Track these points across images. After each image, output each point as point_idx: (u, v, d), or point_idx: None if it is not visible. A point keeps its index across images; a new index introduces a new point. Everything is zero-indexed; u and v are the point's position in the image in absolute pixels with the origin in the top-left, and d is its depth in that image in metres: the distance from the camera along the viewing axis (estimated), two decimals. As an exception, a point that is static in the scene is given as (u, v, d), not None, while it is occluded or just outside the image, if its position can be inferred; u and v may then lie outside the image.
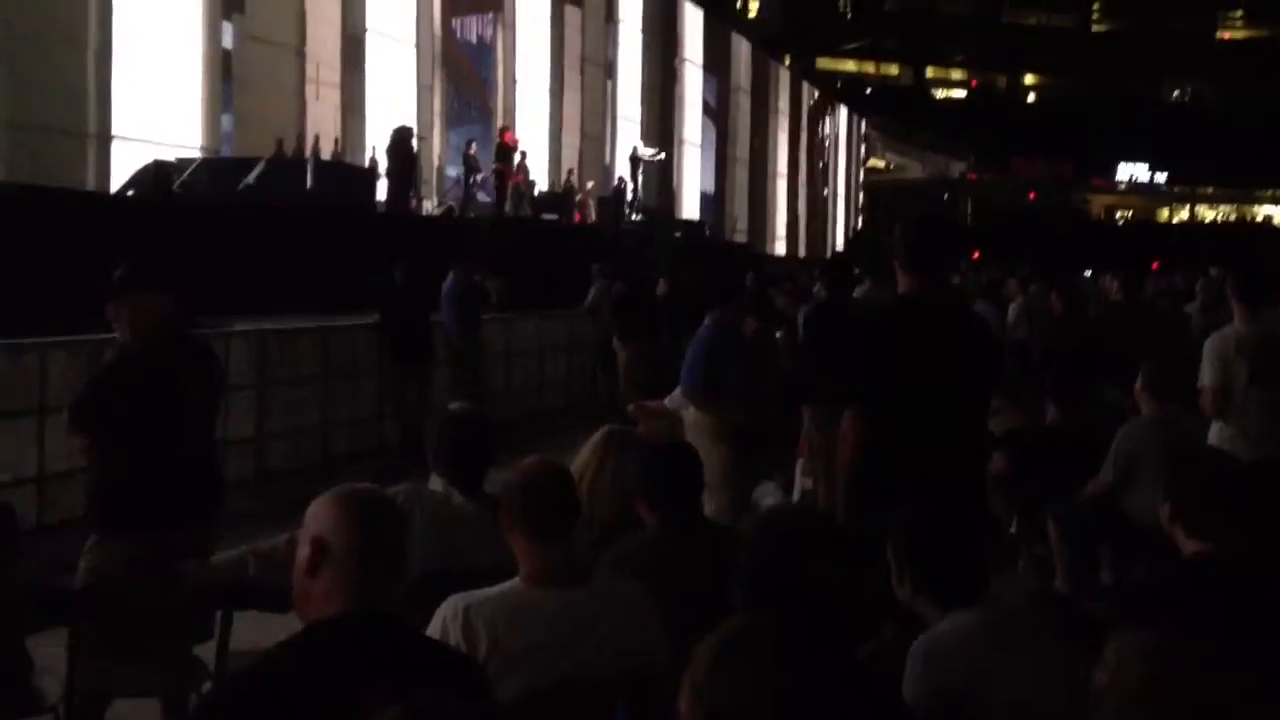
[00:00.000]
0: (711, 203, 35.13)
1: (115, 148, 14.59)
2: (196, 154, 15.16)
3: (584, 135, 26.30)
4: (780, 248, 40.66)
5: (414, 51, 19.56)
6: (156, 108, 15.23)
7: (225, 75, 16.84)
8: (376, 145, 17.26)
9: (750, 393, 6.76)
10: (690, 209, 34.35)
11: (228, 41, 16.89)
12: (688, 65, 34.39)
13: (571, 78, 25.51)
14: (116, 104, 14.58)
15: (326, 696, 2.21)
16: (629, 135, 29.66)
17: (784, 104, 43.31)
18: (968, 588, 2.95)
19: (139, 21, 15.00)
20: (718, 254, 21.13)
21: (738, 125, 38.78)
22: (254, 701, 2.28)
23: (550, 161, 23.76)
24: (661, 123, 31.02)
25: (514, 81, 22.98)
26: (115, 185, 13.85)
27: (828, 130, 46.29)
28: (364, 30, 18.76)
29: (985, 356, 4.48)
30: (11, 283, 8.36)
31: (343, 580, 2.33)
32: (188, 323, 4.70)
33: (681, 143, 34.21)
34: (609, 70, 27.50)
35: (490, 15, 22.19)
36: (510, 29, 22.80)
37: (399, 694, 2.17)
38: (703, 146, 35.10)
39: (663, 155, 25.84)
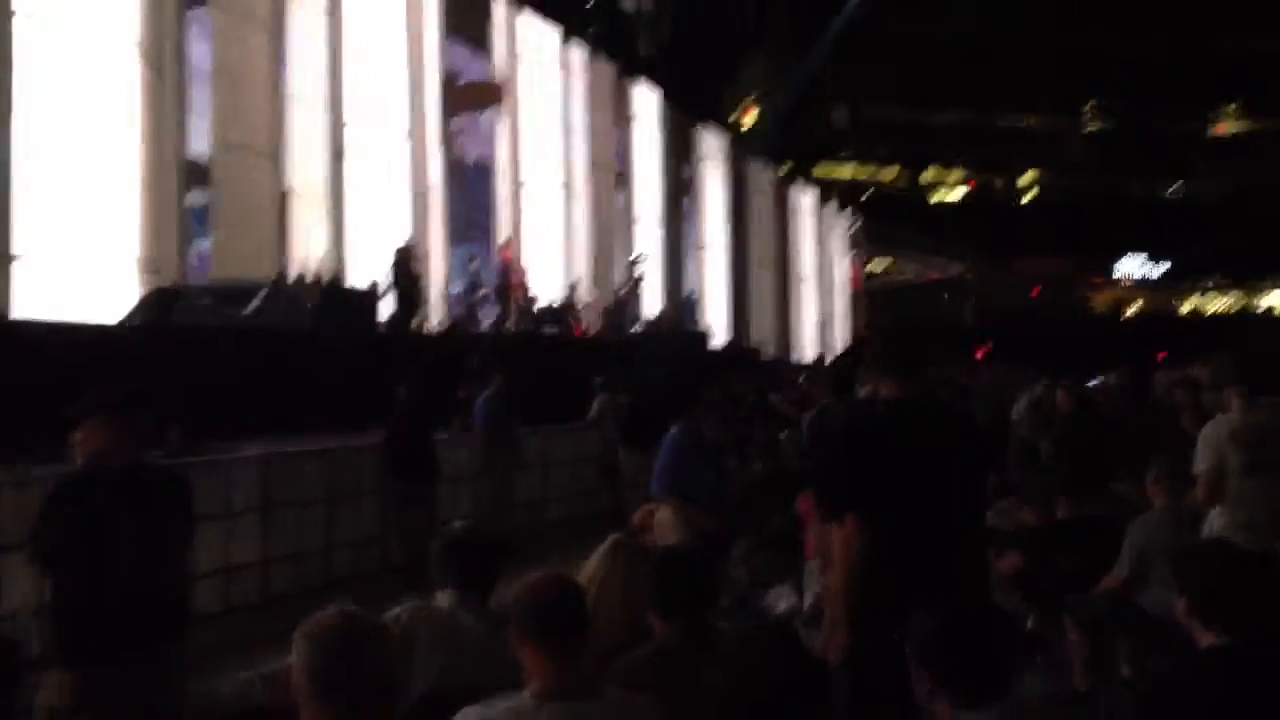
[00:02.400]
0: (730, 309, 35.20)
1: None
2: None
3: (596, 245, 26.55)
4: (809, 353, 40.49)
5: (409, 173, 19.78)
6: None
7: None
8: (379, 267, 17.43)
9: (711, 496, 6.79)
10: (716, 313, 34.40)
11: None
12: (705, 164, 34.67)
13: (579, 186, 25.83)
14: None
15: None
16: (652, 236, 29.92)
17: (808, 202, 43.80)
18: (986, 685, 2.91)
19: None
20: (686, 360, 21.20)
21: (761, 225, 38.87)
22: None
23: (564, 273, 23.96)
24: (675, 226, 31.32)
25: (518, 195, 23.25)
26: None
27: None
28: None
29: (973, 453, 4.46)
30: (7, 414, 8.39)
31: (323, 707, 2.30)
32: (153, 447, 4.64)
33: (702, 248, 34.38)
34: (620, 177, 27.75)
35: (488, 131, 22.53)
36: (512, 142, 23.12)
37: None
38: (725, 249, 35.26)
39: (646, 256, 26.04)
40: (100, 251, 13.79)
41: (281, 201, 17.31)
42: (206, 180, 16.37)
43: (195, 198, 16.60)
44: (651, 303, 28.05)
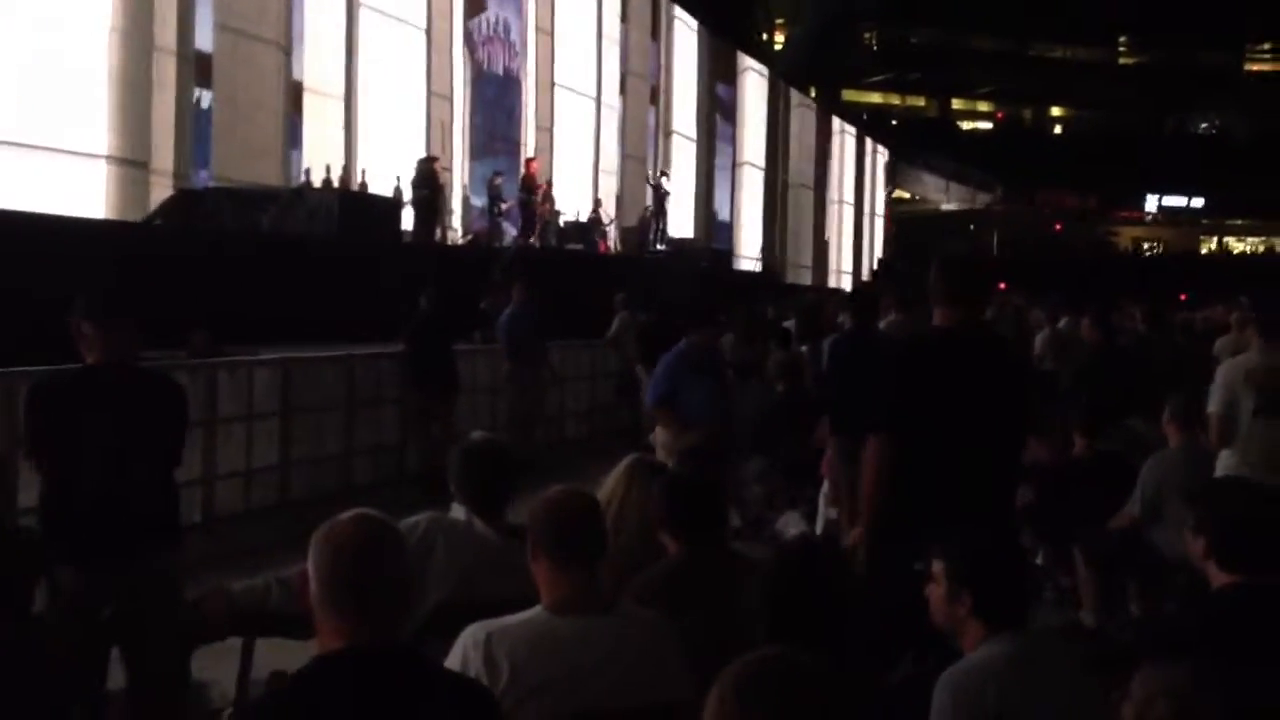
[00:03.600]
0: (763, 229, 34.85)
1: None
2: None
3: (626, 157, 26.28)
4: (847, 281, 40.24)
5: (425, 83, 19.58)
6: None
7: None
8: (401, 175, 17.35)
9: (707, 414, 6.80)
10: (751, 235, 33.94)
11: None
12: (747, 77, 34.04)
13: (611, 97, 25.45)
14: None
15: None
16: (686, 153, 29.51)
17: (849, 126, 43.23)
18: (1016, 612, 2.95)
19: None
20: (709, 279, 21.12)
21: (801, 146, 38.18)
22: None
23: (593, 187, 23.79)
24: (708, 145, 30.92)
25: (550, 105, 23.03)
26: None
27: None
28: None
29: (1019, 389, 4.47)
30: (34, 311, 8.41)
31: (340, 612, 2.32)
32: (138, 351, 4.58)
33: (740, 165, 33.86)
34: (654, 92, 27.49)
35: (516, 44, 22.29)
36: (546, 50, 22.87)
37: None
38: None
39: (665, 175, 25.84)
40: (66, 144, 12.97)
41: (293, 97, 16.72)
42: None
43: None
44: (683, 222, 27.90)
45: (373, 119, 18.18)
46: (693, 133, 30.31)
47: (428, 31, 19.36)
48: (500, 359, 11.81)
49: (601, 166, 25.02)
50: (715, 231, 30.64)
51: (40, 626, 3.97)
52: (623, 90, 26.17)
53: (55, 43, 12.72)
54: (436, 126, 19.18)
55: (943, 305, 4.28)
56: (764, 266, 33.31)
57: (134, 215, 13.25)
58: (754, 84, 34.82)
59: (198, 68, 15.16)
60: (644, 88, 27.26)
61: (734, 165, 33.35)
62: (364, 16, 18.14)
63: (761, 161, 35.28)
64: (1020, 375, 4.64)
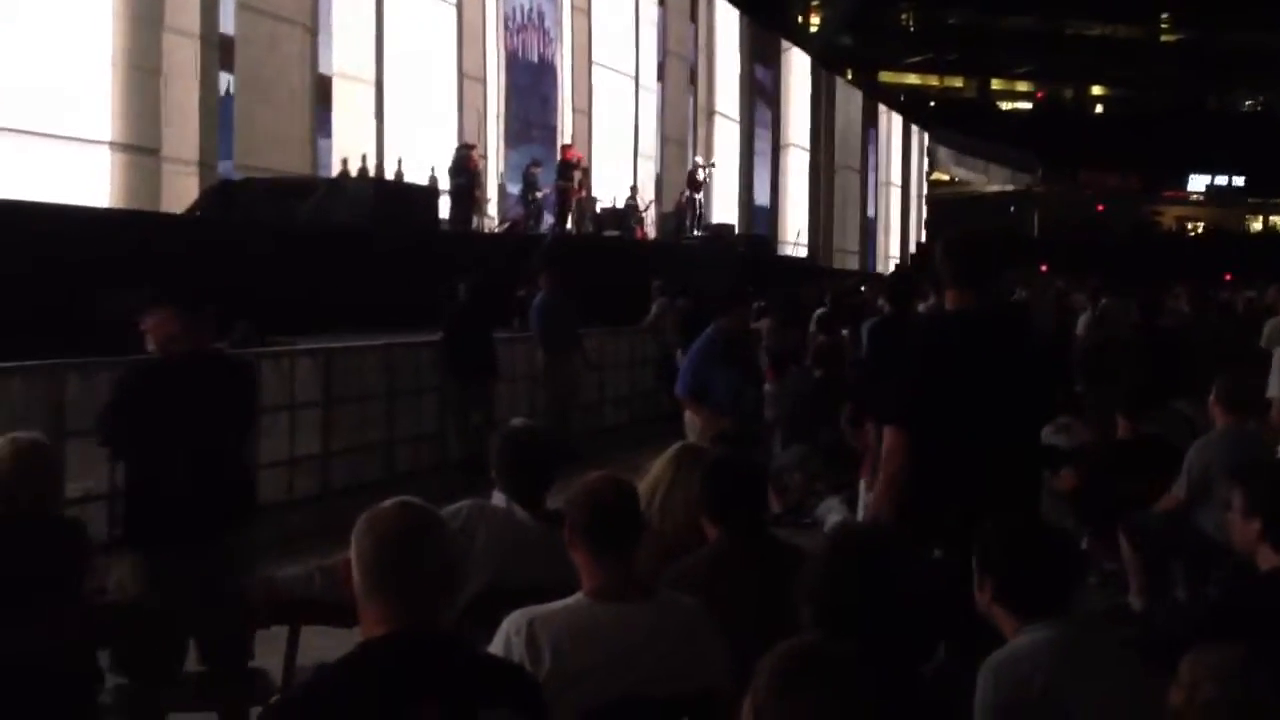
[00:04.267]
0: (809, 212, 34.50)
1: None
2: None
3: (666, 140, 26.08)
4: (892, 264, 40.02)
5: (456, 66, 19.49)
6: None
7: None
8: (436, 164, 17.39)
9: (734, 402, 6.86)
10: (796, 219, 33.58)
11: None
12: (792, 54, 33.68)
13: (649, 80, 25.23)
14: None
15: (372, 715, 2.21)
16: (728, 136, 29.17)
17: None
18: (1048, 599, 2.91)
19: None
20: (747, 264, 21.06)
21: (848, 127, 37.72)
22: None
23: (632, 173, 23.70)
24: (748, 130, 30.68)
25: (588, 87, 22.93)
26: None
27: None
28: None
29: (1038, 370, 4.39)
30: (76, 303, 8.51)
31: (384, 600, 2.33)
32: (217, 339, 4.73)
33: (786, 147, 33.53)
34: (693, 73, 27.37)
35: (551, 30, 22.26)
36: (583, 30, 22.78)
37: (446, 714, 2.17)
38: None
39: (714, 164, 25.64)
40: (68, 129, 12.49)
41: (320, 83, 16.19)
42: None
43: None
44: (727, 206, 27.73)
45: (404, 104, 17.87)
46: (737, 113, 30.05)
47: (459, 7, 19.01)
48: (535, 347, 11.80)
49: (641, 151, 24.93)
50: (754, 217, 30.48)
51: (92, 612, 4.04)
52: (661, 74, 25.99)
53: (59, 24, 12.28)
54: (470, 112, 19.11)
55: (951, 288, 4.21)
56: (808, 252, 33.17)
57: (142, 204, 12.89)
58: (799, 64, 34.54)
59: (222, 52, 14.65)
60: (683, 69, 27.06)
61: (776, 148, 33.09)
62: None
63: (806, 143, 34.94)
64: (1039, 355, 4.55)
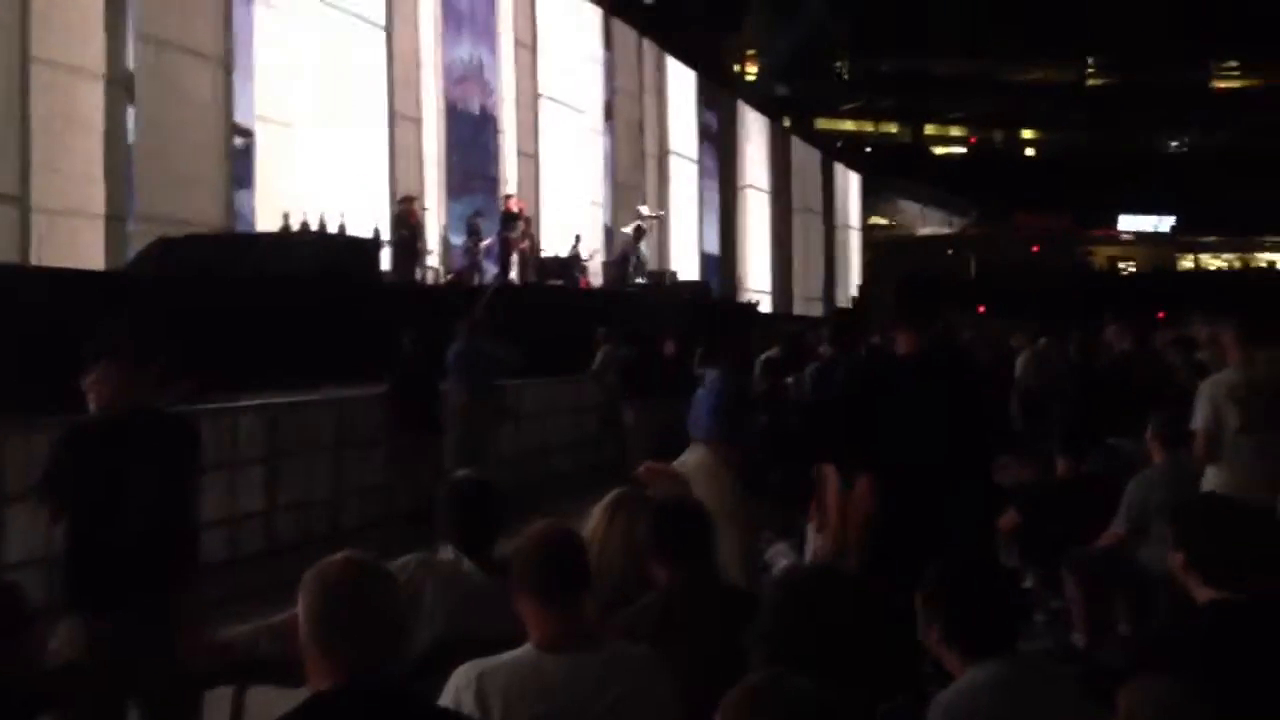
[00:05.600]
0: (772, 257, 34.28)
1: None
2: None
3: (616, 185, 25.97)
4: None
5: (416, 124, 19.41)
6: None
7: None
8: (379, 216, 17.35)
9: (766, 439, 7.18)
10: (757, 261, 33.30)
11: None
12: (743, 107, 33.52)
13: (596, 121, 25.14)
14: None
15: None
16: (685, 176, 28.84)
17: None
18: (994, 639, 2.94)
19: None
20: (692, 311, 21.26)
21: (807, 168, 37.67)
22: None
23: (579, 220, 23.69)
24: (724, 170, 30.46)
25: (534, 126, 22.79)
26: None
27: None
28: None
29: (982, 406, 4.48)
30: (11, 363, 8.40)
31: (331, 652, 2.32)
32: (158, 396, 4.66)
33: (744, 189, 33.37)
34: (608, 129, 27.45)
35: (491, 82, 22.31)
36: (528, 65, 22.72)
37: None
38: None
39: (661, 214, 25.73)
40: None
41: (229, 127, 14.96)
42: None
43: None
44: (685, 252, 27.55)
45: (333, 148, 17.10)
46: (695, 153, 29.83)
47: (389, 47, 18.28)
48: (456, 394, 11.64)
49: (590, 198, 24.91)
50: (706, 263, 30.51)
51: (43, 678, 3.97)
52: (609, 114, 25.82)
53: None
54: (405, 156, 18.79)
55: (900, 329, 4.30)
56: (771, 300, 33.11)
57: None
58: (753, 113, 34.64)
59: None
60: (633, 109, 26.97)
61: (729, 191, 32.92)
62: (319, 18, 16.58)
63: (766, 184, 34.92)
64: (979, 393, 4.64)
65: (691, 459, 7.24)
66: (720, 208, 32.47)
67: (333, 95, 17.22)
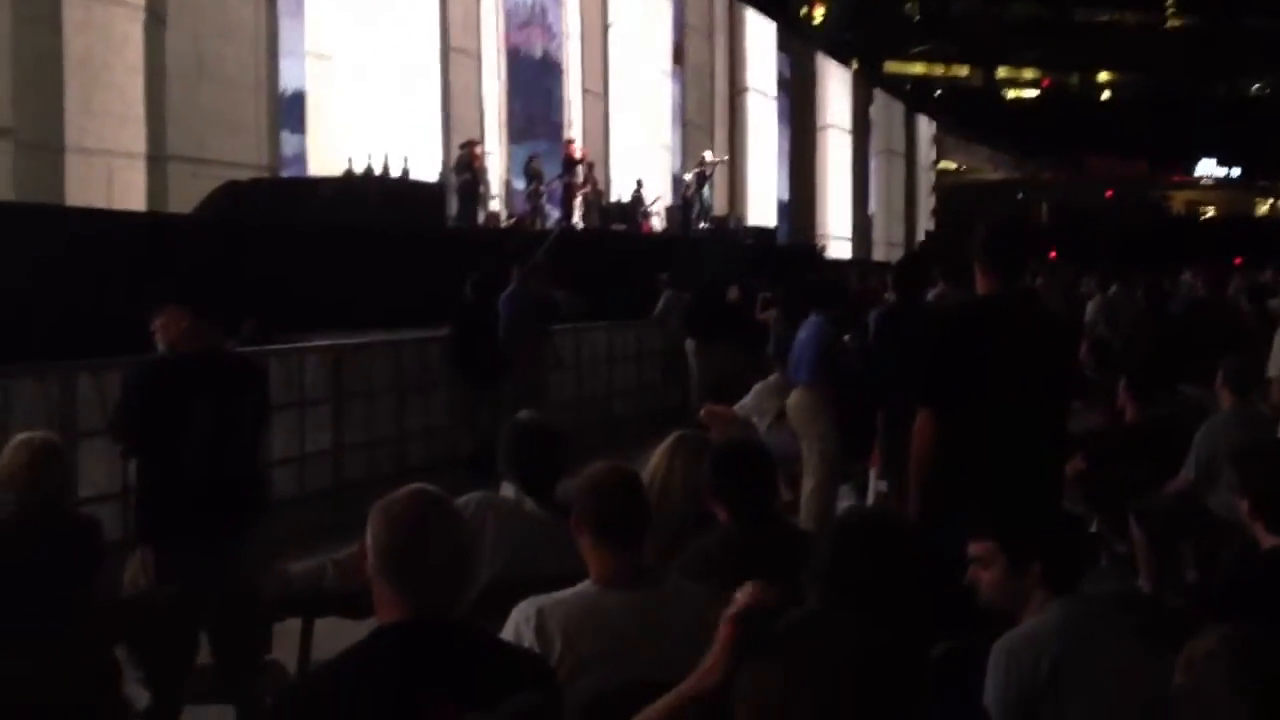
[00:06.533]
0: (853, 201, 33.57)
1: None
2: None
3: (686, 124, 25.73)
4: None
5: (476, 64, 19.28)
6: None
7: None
8: (433, 158, 17.41)
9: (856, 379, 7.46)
10: (838, 209, 32.51)
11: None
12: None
13: (664, 61, 24.78)
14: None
15: (385, 700, 2.24)
16: (765, 115, 28.00)
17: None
18: (1074, 581, 2.96)
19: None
20: (752, 256, 21.15)
21: (890, 113, 36.60)
22: (313, 708, 2.31)
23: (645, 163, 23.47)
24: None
25: (603, 63, 22.55)
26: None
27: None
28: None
29: (1064, 357, 4.46)
30: (88, 304, 8.55)
31: (398, 584, 2.35)
32: (226, 339, 4.76)
33: (825, 127, 32.60)
34: (676, 74, 27.17)
35: (555, 27, 22.18)
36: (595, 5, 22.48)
37: (458, 700, 2.20)
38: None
39: (724, 159, 25.48)
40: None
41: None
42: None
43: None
44: (765, 193, 26.84)
45: (387, 85, 16.81)
46: (771, 88, 28.99)
47: None
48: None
49: (658, 140, 24.65)
50: (778, 209, 30.08)
51: (107, 608, 4.09)
52: (678, 57, 25.42)
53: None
54: (463, 96, 18.56)
55: (984, 274, 4.27)
56: (853, 244, 32.43)
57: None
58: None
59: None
60: (704, 44, 26.44)
61: (812, 132, 32.19)
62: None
63: (848, 124, 34.05)
64: (1065, 342, 4.62)
65: (792, 401, 7.47)
66: (794, 152, 31.98)
67: (387, 32, 16.93)
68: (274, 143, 14.77)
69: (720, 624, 2.13)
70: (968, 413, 4.11)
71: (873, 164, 36.22)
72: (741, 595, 2.11)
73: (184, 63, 13.32)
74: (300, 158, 15.39)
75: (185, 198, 13.00)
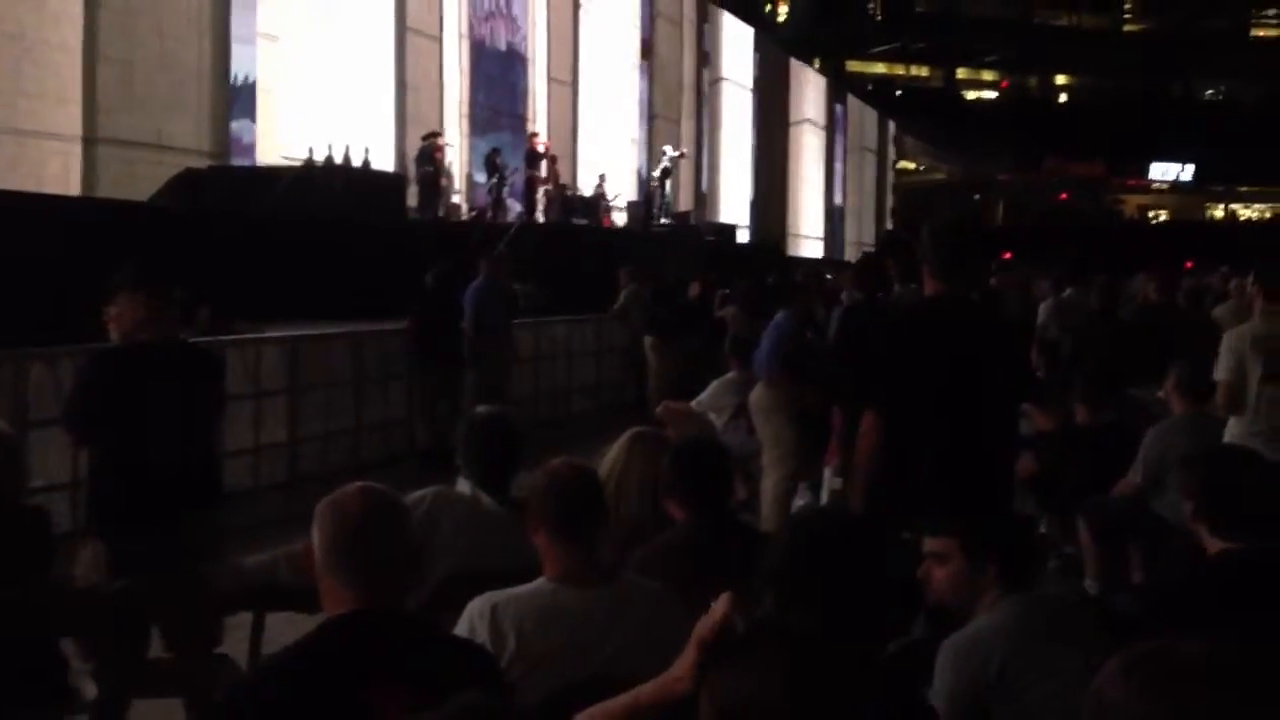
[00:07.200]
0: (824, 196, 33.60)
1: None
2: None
3: (654, 117, 25.67)
4: None
5: (437, 50, 19.07)
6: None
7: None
8: (406, 152, 17.33)
9: (821, 376, 7.45)
10: (811, 206, 32.33)
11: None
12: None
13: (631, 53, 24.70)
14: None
15: (332, 694, 2.25)
16: (740, 106, 27.80)
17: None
18: (1025, 581, 3.01)
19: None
20: (712, 252, 21.19)
21: (865, 110, 36.47)
22: (263, 699, 2.32)
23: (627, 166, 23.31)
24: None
25: (572, 44, 22.42)
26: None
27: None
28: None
29: (1011, 358, 4.47)
30: (34, 294, 8.46)
31: (344, 579, 2.37)
32: (181, 327, 4.75)
33: (800, 122, 32.30)
34: (644, 69, 27.12)
35: (519, 18, 22.08)
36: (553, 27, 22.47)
37: (405, 692, 2.21)
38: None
39: (683, 153, 25.45)
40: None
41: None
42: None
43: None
44: (738, 189, 26.46)
45: (338, 67, 16.53)
46: (748, 79, 28.66)
47: None
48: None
49: (626, 134, 24.49)
50: (709, 204, 30.11)
51: (57, 597, 4.05)
52: (646, 51, 25.30)
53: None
54: (424, 82, 18.34)
55: (930, 274, 4.28)
56: (823, 248, 32.22)
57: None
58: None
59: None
60: (674, 34, 26.27)
61: (784, 128, 32.04)
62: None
63: (822, 119, 33.97)
64: (1012, 343, 4.64)
65: (753, 398, 7.52)
66: (762, 150, 31.91)
67: (343, 16, 16.72)
68: (221, 129, 14.42)
69: (695, 633, 2.14)
70: (912, 415, 4.12)
71: (844, 162, 36.15)
72: (719, 606, 2.12)
73: (123, 43, 13.00)
74: (249, 145, 15.01)
75: (122, 183, 12.68)
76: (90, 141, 12.75)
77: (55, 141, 12.50)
